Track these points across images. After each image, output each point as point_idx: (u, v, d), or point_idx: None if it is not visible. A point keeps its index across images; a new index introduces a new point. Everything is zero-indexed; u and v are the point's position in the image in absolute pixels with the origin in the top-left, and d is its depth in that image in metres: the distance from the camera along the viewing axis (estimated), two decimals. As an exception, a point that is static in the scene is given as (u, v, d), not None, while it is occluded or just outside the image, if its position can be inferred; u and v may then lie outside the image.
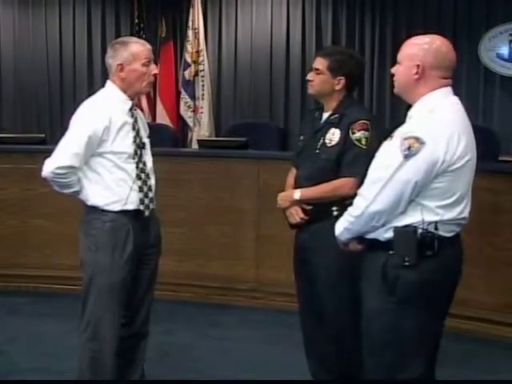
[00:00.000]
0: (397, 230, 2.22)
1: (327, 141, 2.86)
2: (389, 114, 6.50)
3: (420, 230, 2.19)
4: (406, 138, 2.16)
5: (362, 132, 2.79)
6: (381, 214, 2.21)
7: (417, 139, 2.14)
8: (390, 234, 2.24)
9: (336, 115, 2.88)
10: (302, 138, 3.04)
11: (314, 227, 2.87)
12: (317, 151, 2.88)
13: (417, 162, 2.14)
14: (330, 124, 2.89)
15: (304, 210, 2.90)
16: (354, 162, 2.77)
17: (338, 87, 2.89)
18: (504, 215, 3.92)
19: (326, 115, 2.94)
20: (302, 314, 3.08)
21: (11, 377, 3.36)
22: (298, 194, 2.91)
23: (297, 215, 2.91)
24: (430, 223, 2.19)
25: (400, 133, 2.22)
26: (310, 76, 2.95)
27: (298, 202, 2.91)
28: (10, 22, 7.39)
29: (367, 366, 2.35)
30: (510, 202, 3.91)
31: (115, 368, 2.90)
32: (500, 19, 6.27)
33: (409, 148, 2.14)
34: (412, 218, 2.21)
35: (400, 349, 2.24)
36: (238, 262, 4.55)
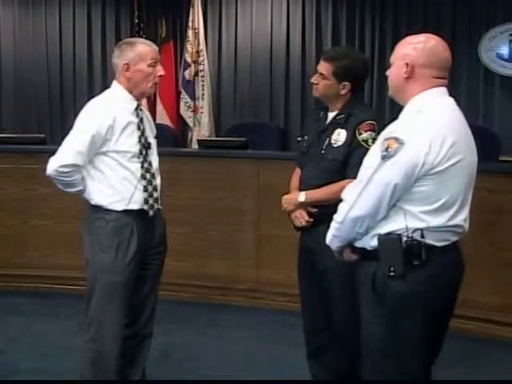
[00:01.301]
0: (381, 237, 2.14)
1: (333, 141, 2.83)
2: (389, 113, 6.48)
3: (405, 238, 2.10)
4: (386, 139, 2.09)
5: (369, 133, 2.77)
6: (362, 219, 2.14)
7: (396, 139, 2.06)
8: (375, 242, 2.16)
9: (342, 115, 2.86)
10: (306, 137, 3.01)
11: (320, 229, 2.81)
12: (322, 152, 2.86)
13: (395, 164, 2.05)
14: (335, 124, 2.86)
15: (309, 213, 2.89)
16: (360, 163, 2.74)
17: (343, 91, 2.86)
18: (504, 215, 3.91)
19: (331, 115, 2.91)
20: (305, 315, 3.07)
21: (11, 377, 3.36)
22: (302, 197, 2.88)
23: (302, 218, 2.89)
24: (415, 230, 2.10)
25: (383, 133, 2.16)
26: (314, 79, 2.92)
27: (303, 205, 2.89)
28: (10, 22, 7.40)
29: (364, 371, 2.32)
30: (510, 202, 3.91)
31: (117, 369, 2.90)
32: (500, 19, 6.28)
33: (387, 149, 2.06)
34: (395, 224, 2.12)
35: (394, 358, 2.18)
36: (238, 262, 4.55)
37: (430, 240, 2.12)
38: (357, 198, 2.14)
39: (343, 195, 2.23)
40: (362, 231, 2.18)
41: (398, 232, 2.12)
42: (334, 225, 2.26)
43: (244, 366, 3.55)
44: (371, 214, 2.13)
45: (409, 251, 2.10)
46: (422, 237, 2.11)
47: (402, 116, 2.19)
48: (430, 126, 2.09)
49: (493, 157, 4.47)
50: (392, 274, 2.11)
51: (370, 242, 2.19)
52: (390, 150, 2.06)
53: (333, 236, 2.29)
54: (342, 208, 2.21)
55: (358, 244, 2.25)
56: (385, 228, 2.15)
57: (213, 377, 3.38)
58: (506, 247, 3.90)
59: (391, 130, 2.13)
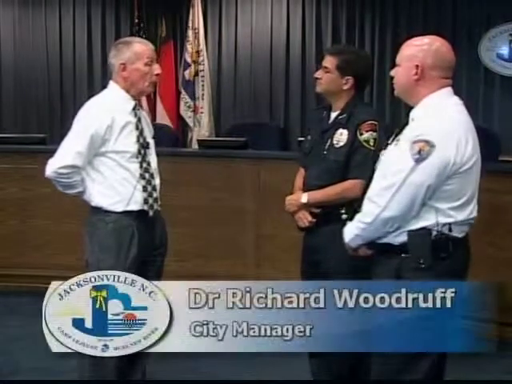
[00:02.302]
0: (411, 233, 2.21)
1: (335, 142, 2.83)
2: (389, 113, 6.50)
3: (435, 232, 2.19)
4: (415, 142, 2.15)
5: (370, 133, 2.77)
6: (394, 219, 2.21)
7: (427, 142, 2.13)
8: (403, 238, 2.23)
9: (344, 115, 2.85)
10: (309, 138, 3.01)
11: (324, 229, 2.83)
12: (324, 152, 2.86)
13: (428, 166, 2.14)
14: (337, 124, 2.86)
15: (312, 213, 2.88)
16: (362, 163, 2.73)
17: (345, 87, 2.86)
18: (504, 215, 3.92)
19: (333, 115, 2.91)
20: None
21: (12, 377, 3.36)
22: (305, 198, 2.88)
23: (305, 219, 2.89)
24: (444, 225, 2.20)
25: (407, 136, 2.20)
26: (318, 74, 2.93)
27: (306, 206, 2.89)
28: (10, 22, 7.39)
29: (375, 366, 2.33)
30: (510, 202, 3.91)
31: (117, 370, 2.89)
32: (500, 19, 6.29)
33: (419, 152, 2.14)
34: (426, 221, 2.21)
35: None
36: (237, 262, 4.55)
37: (455, 233, 2.22)
38: (390, 200, 2.19)
39: (370, 197, 2.27)
40: (393, 230, 2.24)
41: (429, 227, 2.20)
42: (358, 225, 2.31)
43: (244, 366, 3.55)
44: (404, 214, 2.20)
45: (437, 244, 2.19)
46: (450, 230, 2.21)
47: (418, 118, 2.24)
48: (454, 127, 2.18)
49: (493, 157, 4.47)
50: (421, 266, 2.19)
51: (398, 238, 2.25)
52: (422, 152, 2.14)
53: (355, 235, 2.34)
54: (372, 209, 2.25)
55: (382, 240, 2.29)
56: (416, 225, 2.22)
57: (213, 377, 3.38)
58: (506, 247, 3.90)
59: (418, 133, 2.18)
